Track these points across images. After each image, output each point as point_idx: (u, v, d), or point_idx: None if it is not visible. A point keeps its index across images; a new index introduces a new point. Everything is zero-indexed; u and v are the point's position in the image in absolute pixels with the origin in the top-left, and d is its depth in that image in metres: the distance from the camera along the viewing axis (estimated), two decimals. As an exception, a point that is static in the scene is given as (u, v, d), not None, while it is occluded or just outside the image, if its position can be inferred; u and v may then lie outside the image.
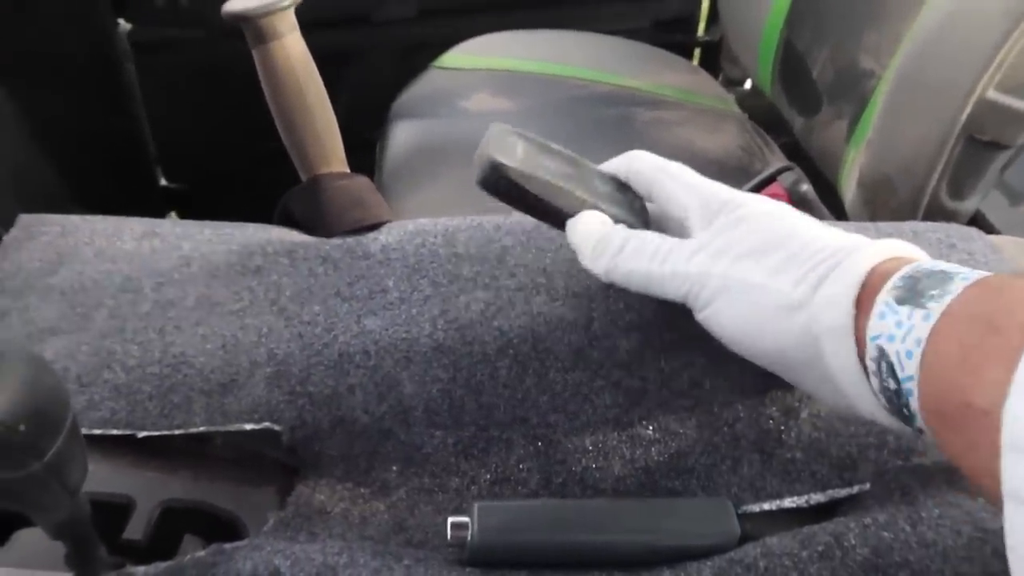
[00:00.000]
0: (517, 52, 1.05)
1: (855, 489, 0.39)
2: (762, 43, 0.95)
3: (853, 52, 0.78)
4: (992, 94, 0.61)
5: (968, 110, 0.62)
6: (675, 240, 0.40)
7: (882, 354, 0.31)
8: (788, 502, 0.39)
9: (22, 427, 0.26)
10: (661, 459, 0.40)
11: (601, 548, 0.36)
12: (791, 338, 0.34)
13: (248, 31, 0.49)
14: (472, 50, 1.05)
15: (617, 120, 0.95)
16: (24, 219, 0.54)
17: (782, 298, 0.35)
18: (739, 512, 0.38)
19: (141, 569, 0.34)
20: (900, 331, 0.30)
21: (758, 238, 0.37)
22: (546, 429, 0.41)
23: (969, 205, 0.70)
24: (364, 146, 1.00)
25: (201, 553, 0.35)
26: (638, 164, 0.44)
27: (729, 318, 0.37)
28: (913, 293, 0.31)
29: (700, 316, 0.38)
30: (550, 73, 1.02)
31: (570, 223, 0.42)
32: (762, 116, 1.05)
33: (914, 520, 0.35)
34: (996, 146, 0.65)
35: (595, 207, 0.42)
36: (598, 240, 0.41)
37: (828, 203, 0.83)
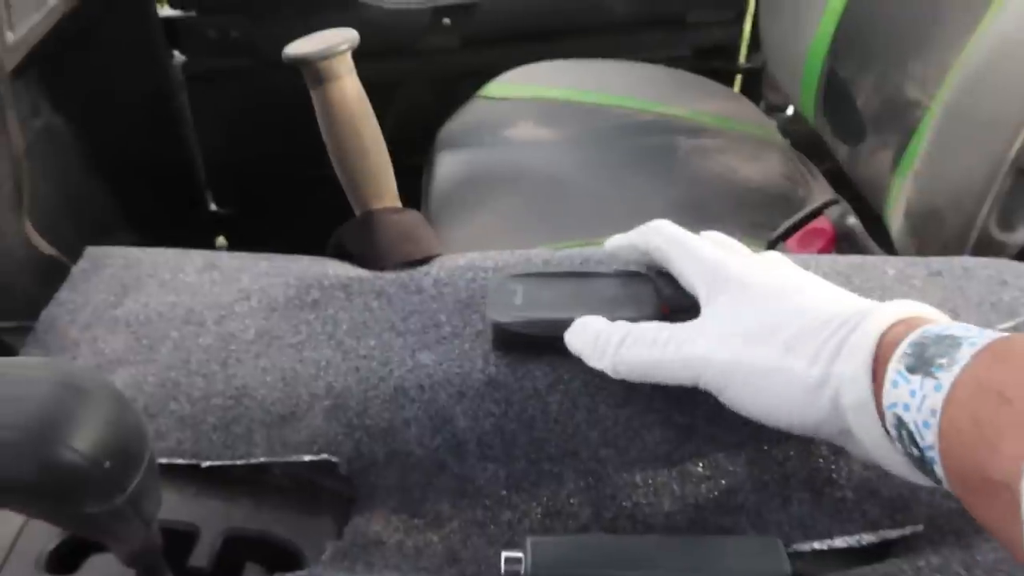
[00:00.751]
0: (560, 81, 1.06)
1: (907, 531, 0.39)
2: (805, 70, 0.95)
3: (899, 81, 0.78)
4: (1042, 127, 0.61)
5: (1018, 143, 0.62)
6: (676, 326, 0.40)
7: (901, 423, 0.31)
8: (839, 542, 0.39)
9: (107, 463, 0.28)
10: (711, 496, 0.41)
11: (653, 585, 0.37)
12: (821, 414, 0.34)
13: (307, 73, 0.51)
14: (516, 79, 1.07)
15: (659, 148, 0.96)
16: (91, 251, 0.56)
17: (801, 379, 0.35)
18: (789, 551, 0.38)
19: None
20: (914, 400, 0.30)
21: (764, 316, 0.37)
22: (597, 464, 0.42)
23: (1020, 237, 0.69)
24: (409, 173, 1.02)
25: (264, 582, 0.37)
26: (656, 240, 0.45)
27: (753, 401, 0.37)
28: (922, 361, 0.30)
29: (723, 400, 0.38)
30: (592, 102, 1.03)
31: (566, 335, 0.43)
32: (805, 143, 1.05)
33: (968, 564, 0.35)
34: (1046, 178, 0.65)
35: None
36: (595, 339, 0.41)
37: (873, 231, 0.83)
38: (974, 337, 0.30)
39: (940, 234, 0.69)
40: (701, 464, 0.41)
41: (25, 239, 0.70)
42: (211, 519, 0.41)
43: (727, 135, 1.00)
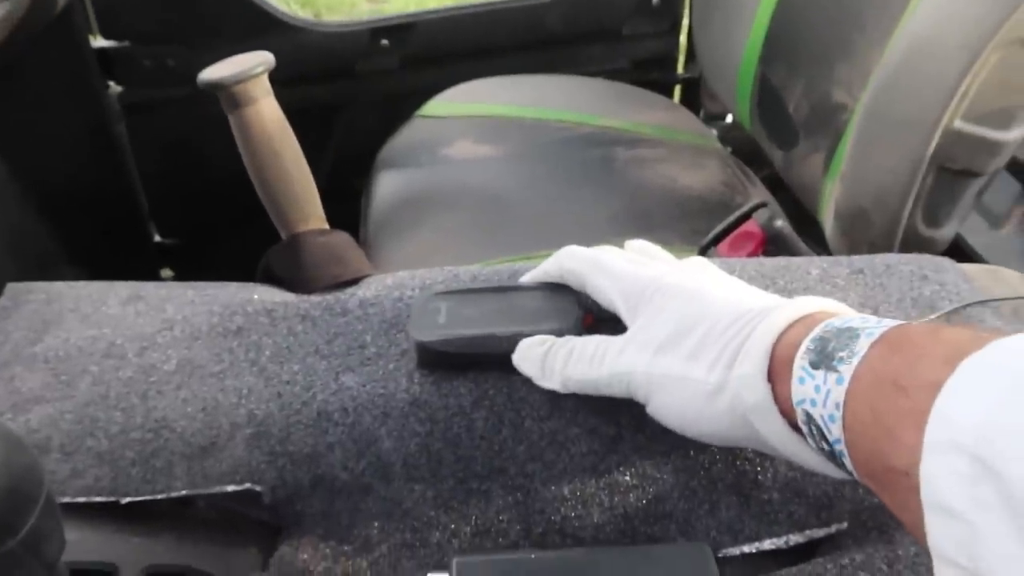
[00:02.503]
0: (499, 98, 1.07)
1: (833, 529, 0.39)
2: (739, 79, 0.97)
3: (826, 86, 0.80)
4: (959, 124, 0.63)
5: (936, 141, 0.63)
6: (608, 339, 0.40)
7: (810, 419, 0.31)
8: (767, 544, 0.39)
9: (-6, 506, 0.27)
10: (639, 505, 0.40)
11: (580, 599, 0.37)
12: (725, 420, 0.35)
13: (223, 98, 0.50)
14: (454, 98, 1.07)
15: (600, 161, 0.97)
16: (12, 288, 0.54)
17: (702, 386, 0.35)
18: (718, 556, 0.38)
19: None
20: (820, 395, 0.30)
21: (672, 325, 0.37)
22: (524, 479, 0.41)
23: (947, 232, 0.71)
24: (351, 195, 1.02)
25: (182, 619, 0.36)
26: (569, 263, 0.46)
27: (668, 411, 0.38)
28: (824, 356, 0.31)
29: (648, 411, 0.39)
30: (532, 117, 1.04)
31: (514, 359, 0.43)
32: (744, 150, 1.07)
33: (891, 559, 0.36)
34: (968, 174, 0.66)
35: (526, 336, 0.43)
36: (543, 360, 0.42)
37: (810, 235, 0.84)
38: (871, 328, 0.30)
39: (868, 233, 0.70)
40: (628, 474, 0.41)
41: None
42: (131, 557, 0.40)
43: (666, 145, 1.01)
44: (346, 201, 0.88)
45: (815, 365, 0.31)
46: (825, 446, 0.31)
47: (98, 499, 0.41)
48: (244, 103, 0.50)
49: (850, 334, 0.31)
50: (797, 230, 0.78)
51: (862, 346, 0.30)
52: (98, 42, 1.10)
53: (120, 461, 0.42)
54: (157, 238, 1.27)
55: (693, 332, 0.36)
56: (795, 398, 0.32)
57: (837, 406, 0.30)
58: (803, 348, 0.32)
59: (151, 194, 1.21)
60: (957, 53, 0.60)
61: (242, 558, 0.41)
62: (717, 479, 0.41)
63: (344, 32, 1.15)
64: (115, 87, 1.13)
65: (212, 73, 0.50)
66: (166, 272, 1.30)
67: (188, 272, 1.28)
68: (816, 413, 0.31)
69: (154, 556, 0.40)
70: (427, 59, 1.18)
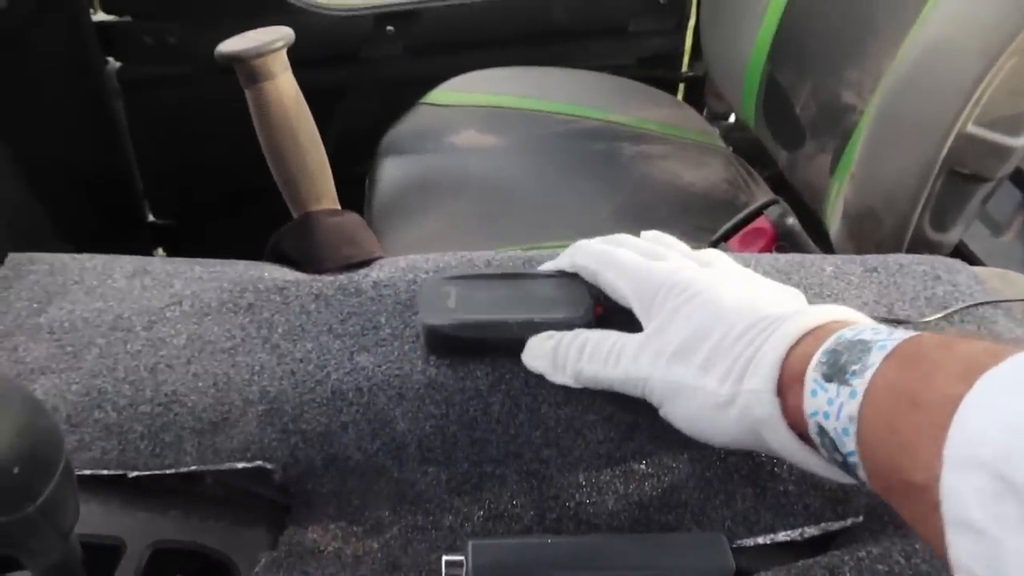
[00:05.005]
0: (504, 88, 1.06)
1: (848, 522, 0.39)
2: (746, 78, 0.97)
3: (835, 88, 0.80)
4: (972, 128, 0.63)
5: (948, 144, 0.63)
6: (623, 339, 0.40)
7: (823, 431, 0.31)
8: (782, 535, 0.39)
9: (16, 469, 0.26)
10: (654, 494, 0.40)
11: (596, 585, 0.36)
12: (736, 430, 0.35)
13: (241, 72, 0.50)
14: (460, 87, 1.07)
15: (603, 155, 0.97)
16: (13, 258, 0.53)
17: (714, 398, 0.35)
18: (733, 546, 0.38)
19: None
20: (832, 408, 0.30)
21: (686, 332, 0.37)
22: (539, 464, 0.41)
23: (952, 236, 0.71)
24: (353, 181, 1.01)
25: (192, 595, 0.35)
26: (580, 259, 0.45)
27: (681, 418, 0.38)
28: (837, 368, 0.31)
29: (662, 414, 0.39)
30: (536, 109, 1.03)
31: (524, 357, 0.43)
32: (747, 150, 1.07)
33: (908, 553, 0.36)
34: (977, 179, 0.67)
35: (536, 323, 0.43)
36: (553, 355, 0.42)
37: (814, 235, 0.84)
38: (883, 340, 0.30)
39: (876, 235, 0.70)
40: (644, 462, 0.41)
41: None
42: (138, 532, 0.39)
43: (670, 142, 1.01)
44: (347, 187, 0.87)
45: (828, 378, 0.31)
46: (838, 457, 0.31)
47: (105, 472, 0.41)
48: (263, 77, 0.49)
49: (863, 347, 0.30)
50: (801, 231, 0.78)
51: (875, 359, 0.30)
52: (98, 16, 1.09)
53: (128, 434, 0.42)
54: (151, 218, 1.25)
55: (706, 341, 0.36)
56: (807, 410, 0.32)
57: (851, 419, 0.30)
58: (815, 361, 0.32)
59: (146, 173, 1.20)
60: (974, 58, 0.60)
61: (251, 536, 0.41)
62: (733, 470, 0.41)
63: (349, 17, 1.14)
64: (114, 63, 1.11)
65: (231, 46, 0.49)
66: (159, 252, 1.29)
67: (181, 253, 1.26)
68: (829, 426, 0.31)
69: (161, 532, 0.40)
70: (432, 47, 1.17)
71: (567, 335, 0.42)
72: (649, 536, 0.39)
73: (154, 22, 1.09)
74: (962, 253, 0.80)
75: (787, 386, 0.33)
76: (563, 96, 1.06)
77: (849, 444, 0.30)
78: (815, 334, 0.33)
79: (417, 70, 1.15)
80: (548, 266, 0.48)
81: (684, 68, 1.31)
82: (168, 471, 0.41)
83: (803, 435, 0.33)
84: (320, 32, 1.12)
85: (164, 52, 1.10)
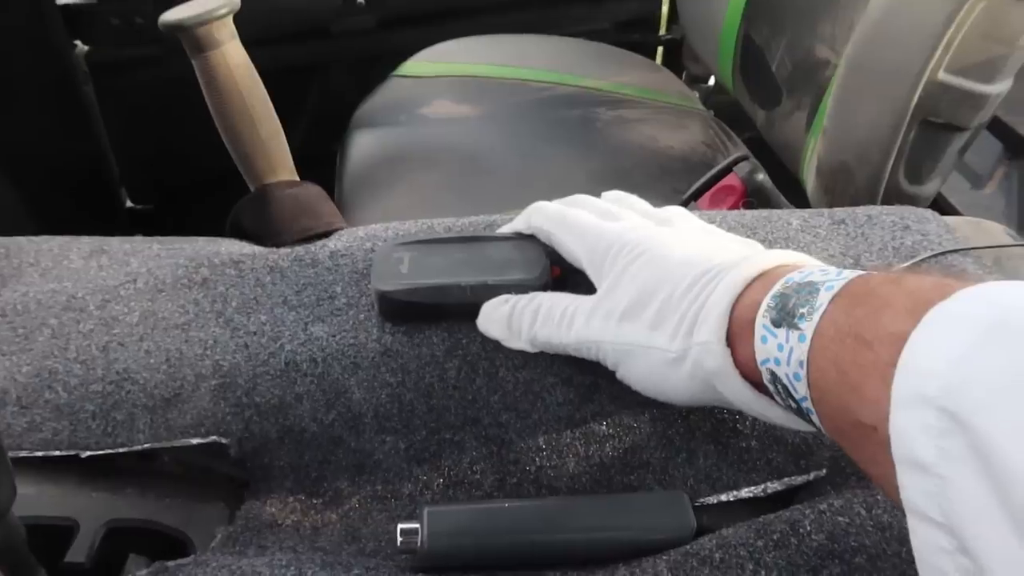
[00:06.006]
0: (478, 57, 1.04)
1: (811, 476, 0.38)
2: (722, 39, 0.95)
3: (809, 43, 0.78)
4: (943, 76, 0.62)
5: (919, 92, 0.62)
6: (576, 301, 0.39)
7: (775, 378, 0.31)
8: (745, 492, 0.39)
9: (-66, 449, 0.25)
10: (615, 455, 0.40)
11: (554, 547, 0.36)
12: (691, 386, 0.34)
13: (186, 41, 0.48)
14: (433, 57, 1.05)
15: (580, 121, 0.95)
16: (-32, 243, 0.52)
17: (666, 355, 0.35)
18: (695, 504, 0.38)
19: (79, 592, 0.33)
20: (783, 354, 0.30)
21: (634, 292, 0.36)
22: (498, 429, 0.40)
23: (929, 189, 0.70)
24: (328, 158, 1.00)
25: (143, 573, 0.34)
26: (536, 220, 0.44)
27: (636, 378, 0.37)
28: (785, 313, 0.30)
29: (617, 376, 0.38)
30: (511, 77, 1.02)
31: (479, 323, 0.42)
32: (726, 112, 1.05)
33: (869, 504, 0.35)
34: (951, 128, 0.65)
35: (490, 286, 0.42)
36: (507, 320, 0.41)
37: (792, 194, 0.83)
38: (831, 280, 0.29)
39: (849, 189, 0.69)
40: (605, 423, 0.40)
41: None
42: (91, 511, 0.39)
43: (648, 106, 0.99)
44: (321, 165, 0.85)
45: (776, 323, 0.30)
46: (792, 404, 0.30)
47: (57, 453, 0.40)
48: (208, 46, 0.48)
49: (810, 289, 0.30)
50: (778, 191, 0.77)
51: (822, 300, 0.29)
52: (62, -1, 1.07)
53: (80, 414, 0.41)
54: (129, 204, 1.24)
55: (654, 298, 0.35)
56: (759, 358, 0.31)
57: (801, 364, 0.29)
58: (763, 307, 0.31)
59: (122, 158, 1.18)
60: (940, 3, 0.59)
61: (208, 512, 0.40)
62: (695, 428, 0.40)
63: (318, -10, 1.12)
64: (82, 47, 1.10)
65: (174, 14, 0.47)
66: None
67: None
68: (781, 372, 0.30)
69: (116, 511, 0.39)
70: (404, 19, 1.15)
71: (521, 299, 0.41)
72: (608, 497, 0.39)
73: (120, 3, 1.07)
74: (940, 206, 0.79)
75: (737, 335, 0.32)
76: (539, 63, 1.04)
77: (801, 389, 0.29)
78: (763, 280, 0.32)
79: (390, 43, 1.13)
80: (505, 229, 0.47)
81: (662, 31, 1.29)
82: (121, 449, 0.40)
83: (758, 384, 0.32)
84: (289, 8, 1.10)
85: (132, 33, 1.08)
